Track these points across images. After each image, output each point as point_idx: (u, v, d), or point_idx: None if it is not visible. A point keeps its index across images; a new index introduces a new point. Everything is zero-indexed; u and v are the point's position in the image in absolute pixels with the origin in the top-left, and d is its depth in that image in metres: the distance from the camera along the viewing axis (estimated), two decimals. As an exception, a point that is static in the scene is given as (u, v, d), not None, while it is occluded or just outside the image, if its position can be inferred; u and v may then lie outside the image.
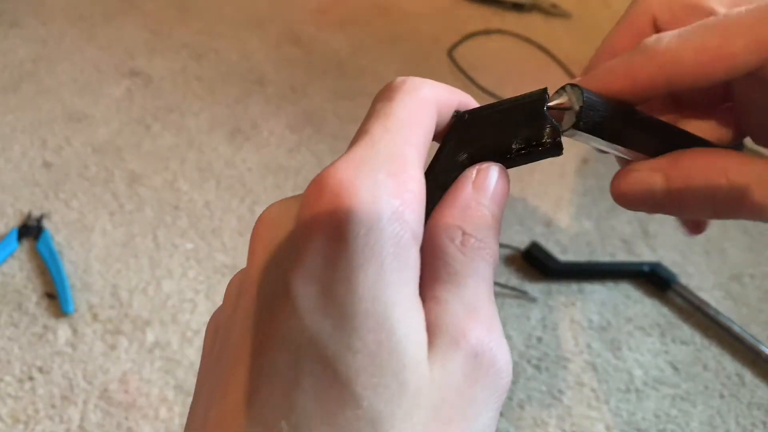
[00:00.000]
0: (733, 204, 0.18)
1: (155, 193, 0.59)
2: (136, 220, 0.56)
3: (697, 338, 0.53)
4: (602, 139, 0.20)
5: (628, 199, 0.21)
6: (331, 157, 0.65)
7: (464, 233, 0.16)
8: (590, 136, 0.20)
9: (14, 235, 0.53)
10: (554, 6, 0.90)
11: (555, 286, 0.55)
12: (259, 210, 0.59)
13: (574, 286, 0.55)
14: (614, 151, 0.21)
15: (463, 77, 0.77)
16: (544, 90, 0.20)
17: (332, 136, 0.67)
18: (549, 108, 0.20)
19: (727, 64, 0.17)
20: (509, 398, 0.47)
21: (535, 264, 0.56)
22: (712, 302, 0.55)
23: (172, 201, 0.58)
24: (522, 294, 0.54)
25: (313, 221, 0.14)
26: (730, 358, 0.52)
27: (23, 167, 0.60)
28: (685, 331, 0.53)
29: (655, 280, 0.56)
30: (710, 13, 0.20)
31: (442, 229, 0.16)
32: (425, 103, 0.18)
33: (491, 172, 0.18)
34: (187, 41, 0.77)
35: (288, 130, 0.67)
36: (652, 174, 0.20)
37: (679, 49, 0.18)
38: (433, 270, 0.16)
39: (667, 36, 0.18)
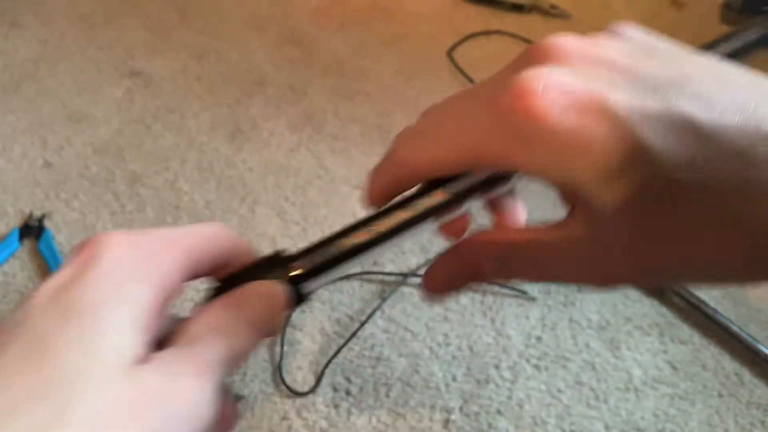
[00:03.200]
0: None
1: (156, 193, 0.59)
2: (137, 220, 0.57)
3: (696, 338, 0.53)
4: (329, 275, 0.23)
5: (440, 293, 0.24)
6: (331, 157, 0.65)
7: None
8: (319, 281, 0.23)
9: (15, 235, 0.53)
10: (554, 7, 0.91)
11: (554, 286, 0.55)
12: (259, 210, 0.59)
13: (573, 286, 0.55)
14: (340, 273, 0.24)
15: (463, 78, 0.77)
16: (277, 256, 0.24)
17: (332, 136, 0.67)
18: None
19: (438, 167, 0.22)
20: (509, 397, 0.47)
21: None
22: (711, 302, 0.55)
23: (173, 201, 0.59)
24: (521, 293, 0.54)
25: (79, 249, 0.21)
26: (728, 357, 0.52)
27: (24, 167, 0.60)
28: (684, 330, 0.53)
29: (653, 280, 0.56)
30: None
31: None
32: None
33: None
34: (187, 42, 0.78)
35: (288, 130, 0.68)
36: (447, 270, 0.23)
37: (409, 157, 0.23)
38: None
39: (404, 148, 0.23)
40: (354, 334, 0.49)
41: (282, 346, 0.48)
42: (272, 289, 0.22)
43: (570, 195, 0.22)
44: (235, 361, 0.21)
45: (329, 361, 0.48)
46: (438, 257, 0.23)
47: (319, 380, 0.47)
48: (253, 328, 0.21)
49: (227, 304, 0.22)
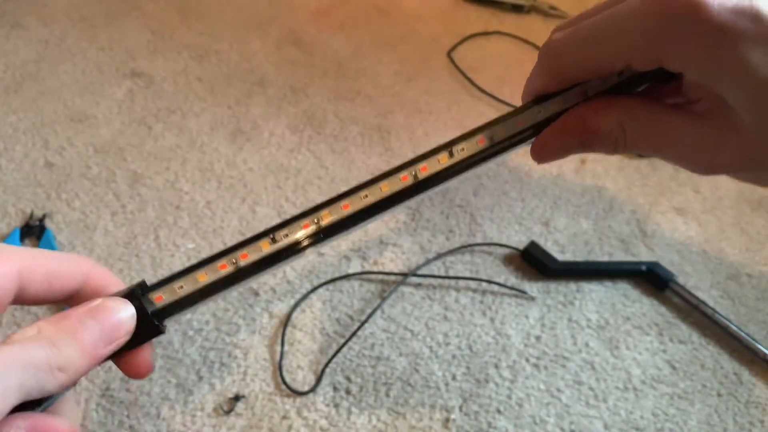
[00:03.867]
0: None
1: (157, 193, 0.59)
2: (138, 220, 0.57)
3: (695, 337, 0.53)
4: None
5: (549, 160, 0.25)
6: (332, 157, 0.65)
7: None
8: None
9: (17, 235, 0.53)
10: (553, 8, 0.91)
11: (553, 285, 0.55)
12: (260, 209, 0.59)
13: (572, 285, 0.56)
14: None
15: (462, 78, 0.77)
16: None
17: (332, 137, 0.68)
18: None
19: (593, 66, 0.22)
20: (508, 396, 0.47)
21: (533, 263, 0.56)
22: (710, 302, 0.55)
23: (174, 201, 0.59)
24: (521, 293, 0.54)
25: None
26: (727, 357, 0.52)
27: (25, 167, 0.60)
28: (683, 330, 0.54)
29: (652, 280, 0.56)
30: None
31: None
32: None
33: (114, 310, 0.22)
34: (188, 42, 0.78)
35: (288, 130, 0.68)
36: (563, 137, 0.24)
37: (565, 65, 0.23)
38: None
39: (559, 43, 0.23)
40: (354, 334, 0.49)
41: (282, 345, 0.49)
42: (119, 314, 0.22)
43: (705, 87, 0.22)
44: (49, 374, 0.20)
45: (329, 361, 0.48)
46: (552, 124, 0.24)
47: (319, 379, 0.47)
48: (85, 348, 0.21)
49: (66, 316, 0.21)
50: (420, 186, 0.24)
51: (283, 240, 0.23)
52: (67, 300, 0.23)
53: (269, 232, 0.24)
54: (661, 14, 0.19)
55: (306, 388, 0.46)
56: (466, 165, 0.24)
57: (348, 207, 0.24)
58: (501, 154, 0.24)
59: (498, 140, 0.24)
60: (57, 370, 0.20)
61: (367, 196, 0.24)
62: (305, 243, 0.24)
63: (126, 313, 0.22)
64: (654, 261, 0.58)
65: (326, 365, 0.48)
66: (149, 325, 0.23)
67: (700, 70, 0.20)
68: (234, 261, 0.23)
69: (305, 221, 0.23)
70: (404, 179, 0.24)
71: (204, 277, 0.23)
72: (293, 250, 0.24)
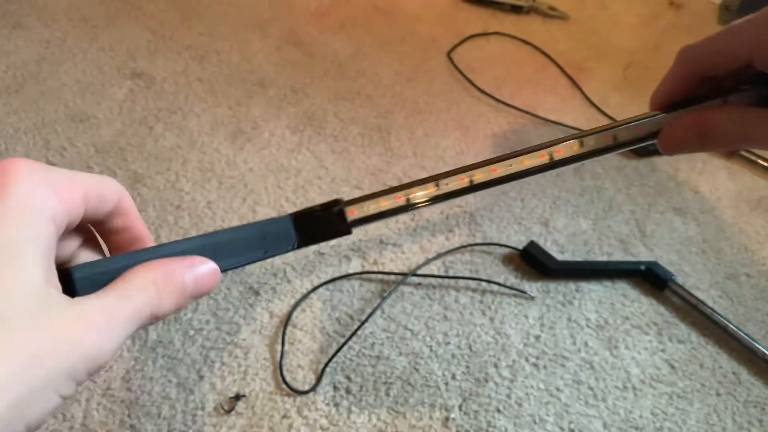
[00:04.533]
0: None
1: (158, 193, 0.60)
2: (139, 219, 0.57)
3: (694, 337, 0.53)
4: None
5: (673, 152, 0.29)
6: (332, 157, 0.65)
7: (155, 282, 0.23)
8: None
9: (18, 235, 0.54)
10: (552, 8, 0.91)
11: (553, 285, 0.55)
12: (260, 209, 0.59)
13: (571, 285, 0.56)
14: None
15: (462, 78, 0.78)
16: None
17: (332, 137, 0.68)
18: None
19: (727, 56, 0.26)
20: (508, 396, 0.48)
21: (532, 263, 0.56)
22: (709, 301, 0.56)
23: (175, 201, 0.59)
24: (520, 293, 0.54)
25: None
26: (726, 356, 0.52)
27: (26, 168, 0.61)
28: (682, 330, 0.54)
29: (651, 279, 0.56)
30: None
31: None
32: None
33: (203, 266, 0.25)
34: (188, 43, 0.78)
35: (289, 130, 0.68)
36: (684, 132, 0.28)
37: (700, 54, 0.28)
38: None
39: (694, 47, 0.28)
40: (354, 333, 0.50)
41: (282, 344, 0.49)
42: (213, 266, 0.25)
43: None
44: (153, 321, 0.23)
45: (330, 360, 0.48)
46: (679, 119, 0.29)
47: (319, 379, 0.47)
48: (183, 297, 0.24)
49: (168, 269, 0.23)
50: (553, 165, 0.30)
51: (444, 187, 0.30)
52: (103, 220, 0.25)
53: (435, 179, 0.30)
54: None
55: (306, 388, 0.47)
56: (592, 153, 0.30)
57: (496, 171, 0.30)
58: (622, 149, 0.30)
59: (622, 140, 0.30)
60: (155, 318, 0.23)
61: (511, 165, 0.30)
62: (460, 189, 0.30)
63: (215, 273, 0.26)
64: (653, 260, 0.58)
65: (326, 364, 0.48)
66: (343, 225, 0.29)
67: None
68: (407, 196, 0.30)
69: (462, 176, 0.30)
70: (542, 157, 0.30)
71: (384, 203, 0.30)
72: (449, 195, 0.30)
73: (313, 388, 0.47)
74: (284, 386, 0.46)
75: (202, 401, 0.45)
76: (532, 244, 0.57)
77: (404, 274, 0.55)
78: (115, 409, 0.44)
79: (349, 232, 0.30)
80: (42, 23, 0.78)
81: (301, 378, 0.47)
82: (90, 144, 0.64)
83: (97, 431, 0.43)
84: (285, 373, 0.47)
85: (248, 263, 0.28)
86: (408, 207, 0.30)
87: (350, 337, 0.49)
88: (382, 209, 0.30)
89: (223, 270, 0.26)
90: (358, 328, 0.50)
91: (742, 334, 0.52)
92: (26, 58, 0.73)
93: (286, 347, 0.49)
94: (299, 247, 0.29)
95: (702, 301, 0.54)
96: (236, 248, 0.27)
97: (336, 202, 0.30)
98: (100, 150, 0.63)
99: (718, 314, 0.54)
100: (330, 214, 0.29)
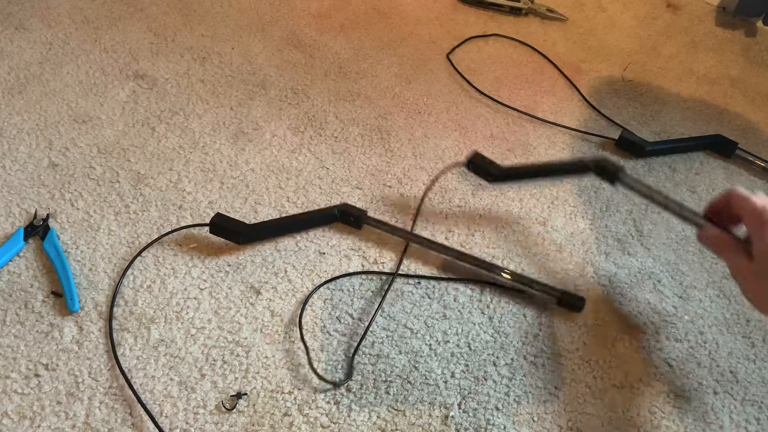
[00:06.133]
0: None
1: (160, 193, 0.60)
2: (141, 219, 0.57)
3: (691, 336, 0.54)
4: None
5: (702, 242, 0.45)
6: (332, 158, 0.66)
7: None
8: None
9: (20, 235, 0.54)
10: (550, 11, 0.92)
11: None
12: (262, 210, 0.60)
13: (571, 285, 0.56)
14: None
15: (461, 80, 0.78)
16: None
17: (333, 138, 0.68)
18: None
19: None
20: (506, 394, 0.48)
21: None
22: (707, 300, 0.56)
23: (177, 201, 0.60)
24: (519, 292, 0.55)
25: None
26: (725, 356, 0.53)
27: (29, 168, 0.61)
28: (680, 328, 0.54)
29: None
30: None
31: None
32: None
33: None
34: (190, 45, 0.79)
35: (290, 131, 0.69)
36: (708, 239, 0.44)
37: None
38: None
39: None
40: (363, 337, 0.50)
41: (303, 341, 0.49)
42: None
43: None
44: None
45: (357, 348, 0.49)
46: (709, 230, 0.44)
47: (320, 377, 0.47)
48: None
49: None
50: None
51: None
52: None
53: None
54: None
55: (306, 386, 0.47)
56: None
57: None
58: (679, 218, 0.46)
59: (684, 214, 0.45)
60: None
61: None
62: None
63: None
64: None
65: (326, 364, 0.48)
66: None
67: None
68: None
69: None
70: None
71: None
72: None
73: (314, 387, 0.47)
74: (285, 384, 0.47)
75: (204, 399, 0.46)
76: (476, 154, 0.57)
77: (404, 274, 0.55)
78: (117, 408, 0.45)
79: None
80: (45, 25, 0.79)
81: (302, 377, 0.48)
82: (93, 144, 0.64)
83: (99, 429, 0.44)
84: (286, 371, 0.48)
85: None
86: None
87: (359, 342, 0.50)
88: None
89: None
90: (365, 333, 0.50)
91: (738, 333, 0.53)
92: (29, 59, 0.73)
93: (288, 345, 0.49)
94: None
95: (700, 301, 0.54)
96: None
97: None
98: (103, 150, 0.64)
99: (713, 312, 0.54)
100: None
